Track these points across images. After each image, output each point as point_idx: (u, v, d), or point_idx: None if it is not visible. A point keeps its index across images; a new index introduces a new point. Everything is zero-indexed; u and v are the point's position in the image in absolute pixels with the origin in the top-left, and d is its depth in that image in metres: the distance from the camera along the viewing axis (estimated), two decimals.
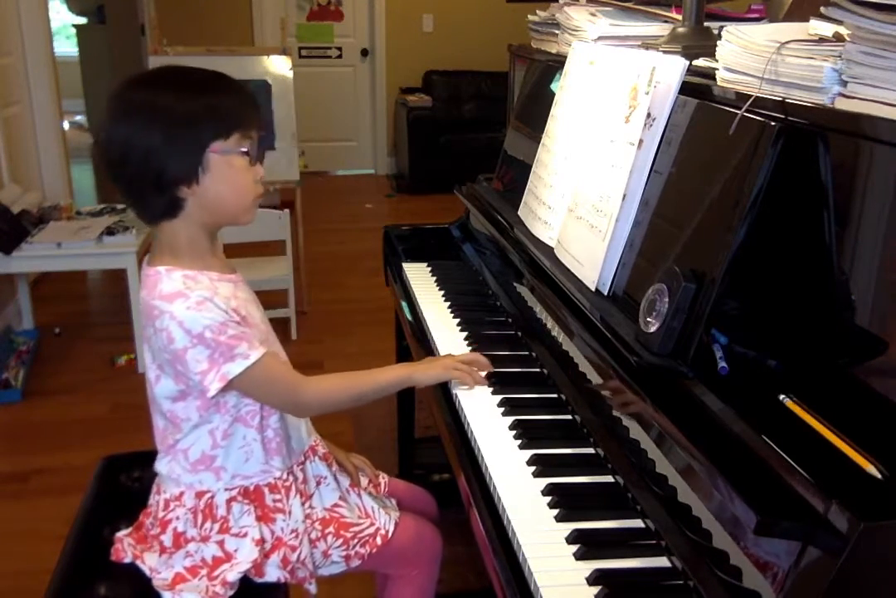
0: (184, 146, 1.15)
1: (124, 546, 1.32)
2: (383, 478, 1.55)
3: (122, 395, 3.07)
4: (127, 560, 1.31)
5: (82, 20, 8.19)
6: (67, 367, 3.29)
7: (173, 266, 1.20)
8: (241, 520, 1.28)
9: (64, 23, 8.84)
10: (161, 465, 1.30)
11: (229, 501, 1.28)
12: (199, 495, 1.28)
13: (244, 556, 1.27)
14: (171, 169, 1.15)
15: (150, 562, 1.30)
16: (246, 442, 1.27)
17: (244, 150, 1.19)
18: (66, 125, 4.89)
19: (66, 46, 8.88)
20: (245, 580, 1.28)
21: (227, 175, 1.18)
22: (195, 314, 1.15)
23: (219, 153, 1.17)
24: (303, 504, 1.33)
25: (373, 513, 1.40)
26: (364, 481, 1.51)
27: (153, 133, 1.14)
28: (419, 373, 1.40)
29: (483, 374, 1.46)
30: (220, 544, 1.27)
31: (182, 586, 1.26)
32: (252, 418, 1.27)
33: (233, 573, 1.26)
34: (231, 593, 1.26)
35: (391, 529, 1.39)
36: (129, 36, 6.68)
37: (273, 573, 1.29)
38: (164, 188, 1.16)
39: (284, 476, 1.32)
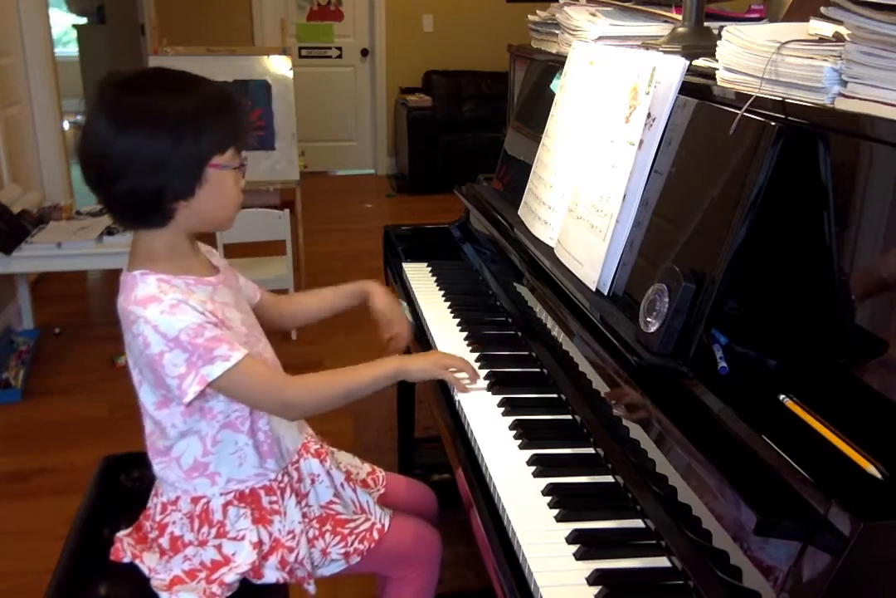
0: (186, 160, 1.13)
1: (124, 546, 1.33)
2: (380, 472, 1.56)
3: (122, 395, 3.03)
4: (126, 560, 1.31)
5: (82, 20, 8.19)
6: (67, 367, 3.29)
7: (148, 270, 1.18)
8: (238, 524, 1.28)
9: (64, 30, 8.84)
10: (157, 469, 1.30)
11: (225, 505, 1.28)
12: (195, 500, 1.28)
13: (242, 559, 1.27)
14: (171, 185, 1.13)
15: (149, 562, 1.30)
16: (238, 447, 1.27)
17: (240, 164, 1.20)
18: (66, 125, 4.88)
19: (66, 47, 8.88)
20: (244, 582, 1.28)
21: (221, 188, 1.18)
22: (169, 318, 1.13)
23: (217, 168, 1.16)
24: (299, 504, 1.33)
25: (367, 507, 1.40)
26: (363, 472, 1.52)
27: (160, 143, 1.10)
28: (410, 366, 1.36)
29: (466, 381, 1.45)
30: (218, 548, 1.27)
31: (179, 587, 1.26)
32: (242, 423, 1.26)
33: (231, 575, 1.26)
34: (229, 593, 1.26)
35: (387, 522, 1.39)
36: (129, 36, 6.67)
37: (272, 575, 1.29)
38: (160, 203, 1.14)
39: (280, 477, 1.31)
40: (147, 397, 1.23)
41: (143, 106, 1.12)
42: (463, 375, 1.45)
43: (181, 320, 1.13)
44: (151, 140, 1.10)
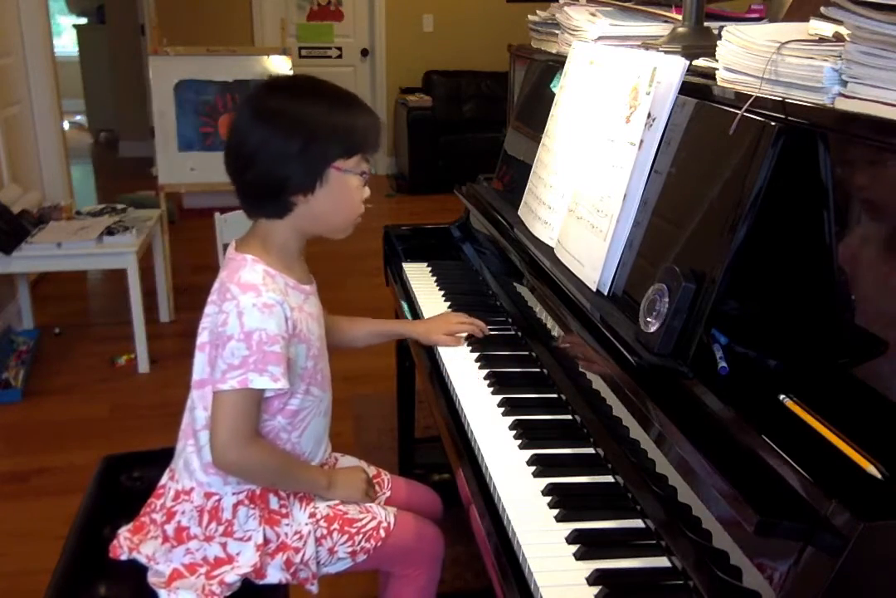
0: (312, 158, 1.20)
1: (121, 542, 1.33)
2: (386, 475, 1.56)
3: (122, 395, 3.07)
4: (124, 557, 1.31)
5: (82, 20, 8.20)
6: (67, 367, 3.29)
7: (260, 259, 1.24)
8: (247, 524, 1.28)
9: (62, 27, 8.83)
10: (187, 451, 1.31)
11: (236, 505, 1.28)
12: (208, 495, 1.28)
13: (245, 560, 1.27)
14: (294, 177, 1.20)
15: (147, 551, 1.30)
16: None
17: (363, 171, 1.25)
18: (66, 125, 4.89)
19: (66, 47, 8.88)
20: (245, 581, 1.28)
21: (341, 192, 1.24)
22: (257, 314, 1.18)
23: (340, 171, 1.22)
24: (307, 506, 1.33)
25: (371, 509, 1.40)
26: (372, 470, 1.52)
27: (292, 141, 1.18)
28: (336, 491, 1.36)
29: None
30: (223, 545, 1.28)
31: (178, 583, 1.26)
32: (263, 437, 1.28)
33: (231, 576, 1.26)
34: (228, 593, 1.26)
35: (392, 520, 1.39)
36: (129, 36, 6.68)
37: (275, 575, 1.29)
38: (281, 193, 1.21)
39: None
40: (199, 364, 1.27)
41: (284, 107, 1.21)
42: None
43: (265, 321, 1.18)
44: (283, 137, 1.19)
